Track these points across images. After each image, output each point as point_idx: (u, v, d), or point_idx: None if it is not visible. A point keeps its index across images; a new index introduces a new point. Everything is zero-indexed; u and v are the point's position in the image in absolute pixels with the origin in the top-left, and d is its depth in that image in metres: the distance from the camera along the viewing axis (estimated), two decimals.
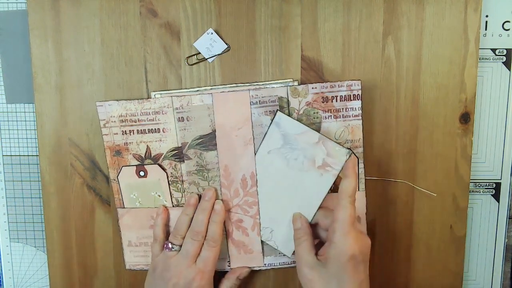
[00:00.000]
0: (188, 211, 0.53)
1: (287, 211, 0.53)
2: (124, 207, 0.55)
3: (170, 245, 0.52)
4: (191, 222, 0.52)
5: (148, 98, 0.53)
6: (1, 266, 0.60)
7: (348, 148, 0.50)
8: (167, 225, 0.54)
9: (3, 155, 0.58)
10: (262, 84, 0.53)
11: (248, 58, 0.53)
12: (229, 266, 0.56)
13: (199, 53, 0.53)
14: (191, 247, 0.51)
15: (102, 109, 0.53)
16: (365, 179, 0.54)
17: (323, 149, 0.51)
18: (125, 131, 0.53)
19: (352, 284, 0.46)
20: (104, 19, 0.53)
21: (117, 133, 0.53)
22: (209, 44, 0.53)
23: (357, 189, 0.53)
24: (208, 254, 0.51)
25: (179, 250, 0.51)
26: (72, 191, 0.55)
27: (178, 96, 0.52)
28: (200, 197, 0.54)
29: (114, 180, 0.54)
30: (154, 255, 0.53)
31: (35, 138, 0.57)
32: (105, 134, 0.53)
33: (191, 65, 0.53)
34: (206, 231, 0.52)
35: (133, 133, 0.53)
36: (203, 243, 0.51)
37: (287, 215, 0.53)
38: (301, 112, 0.52)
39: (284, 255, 0.55)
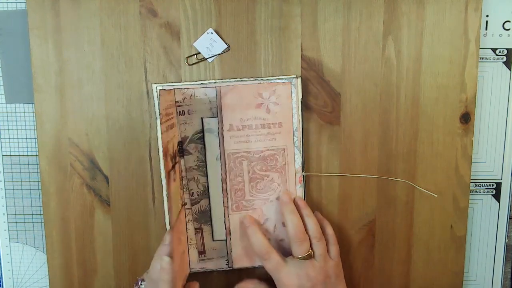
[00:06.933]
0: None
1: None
2: None
3: (139, 282, 0.50)
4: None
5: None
6: (1, 266, 0.60)
7: None
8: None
9: (3, 155, 0.58)
10: (266, 79, 0.53)
11: (248, 58, 0.53)
12: (227, 265, 0.56)
13: (199, 53, 0.53)
14: None
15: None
16: (365, 177, 0.54)
17: None
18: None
19: None
20: (104, 19, 0.53)
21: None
22: (209, 44, 0.53)
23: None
24: None
25: None
26: (71, 191, 0.55)
27: (181, 89, 0.52)
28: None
29: None
30: None
31: (35, 138, 0.57)
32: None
33: (191, 65, 0.53)
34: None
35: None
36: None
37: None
38: None
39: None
